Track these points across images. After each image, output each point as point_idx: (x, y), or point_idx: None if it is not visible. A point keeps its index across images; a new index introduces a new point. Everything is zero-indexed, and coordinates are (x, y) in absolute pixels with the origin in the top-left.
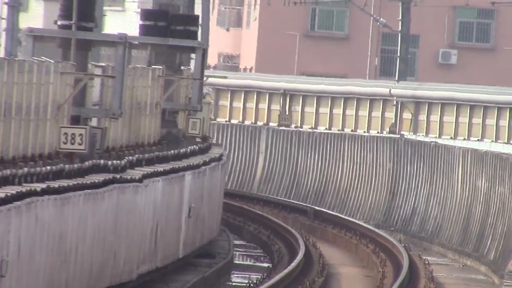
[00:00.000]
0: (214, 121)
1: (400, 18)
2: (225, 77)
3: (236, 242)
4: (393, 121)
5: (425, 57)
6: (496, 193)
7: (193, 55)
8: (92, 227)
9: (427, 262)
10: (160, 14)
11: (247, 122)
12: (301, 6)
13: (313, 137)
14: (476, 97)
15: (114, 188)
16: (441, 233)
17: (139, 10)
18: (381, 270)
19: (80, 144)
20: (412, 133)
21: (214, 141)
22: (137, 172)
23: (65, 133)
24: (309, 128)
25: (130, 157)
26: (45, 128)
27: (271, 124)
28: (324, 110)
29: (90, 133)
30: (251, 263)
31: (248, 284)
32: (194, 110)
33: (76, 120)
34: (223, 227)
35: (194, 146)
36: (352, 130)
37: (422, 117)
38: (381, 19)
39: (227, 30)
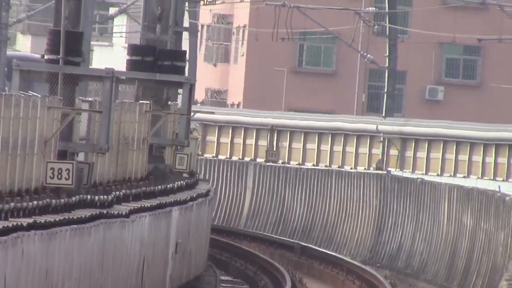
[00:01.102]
0: (201, 157)
1: (387, 54)
2: (213, 113)
3: (223, 277)
4: (380, 157)
5: (412, 93)
6: (482, 230)
7: (180, 90)
8: (78, 262)
9: None
10: (148, 49)
11: (234, 158)
12: (288, 42)
13: (300, 173)
14: (463, 134)
15: (101, 223)
16: (427, 269)
17: (126, 45)
18: None
19: (67, 179)
20: (399, 170)
21: (201, 176)
22: (124, 208)
23: (52, 168)
24: (296, 164)
25: (117, 192)
26: (32, 162)
27: (258, 159)
28: (312, 146)
29: (77, 168)
30: None
31: None
32: (181, 146)
33: (63, 155)
34: (210, 263)
35: (181, 181)
36: (339, 166)
37: (409, 153)
38: (368, 55)
39: (215, 65)
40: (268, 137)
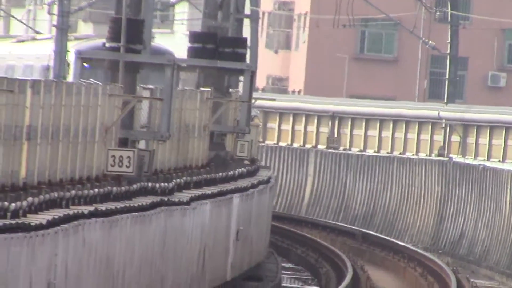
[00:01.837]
0: (263, 144)
1: (449, 40)
2: (274, 100)
3: (284, 265)
4: (442, 144)
5: (474, 80)
6: None
7: (241, 78)
8: (139, 250)
9: (475, 285)
10: (209, 36)
11: (295, 145)
12: (350, 28)
13: (362, 160)
14: None
15: (162, 211)
16: (489, 256)
17: (187, 33)
18: None
19: (128, 167)
20: (461, 156)
21: (262, 163)
22: (185, 195)
23: (113, 156)
24: (358, 151)
25: (178, 180)
26: (92, 150)
27: (319, 146)
28: (373, 132)
29: (138, 156)
30: (299, 286)
31: None
32: (242, 133)
33: (124, 143)
34: (271, 250)
35: (242, 168)
36: (400, 153)
37: (471, 140)
38: (430, 41)
39: (276, 52)
40: (329, 124)
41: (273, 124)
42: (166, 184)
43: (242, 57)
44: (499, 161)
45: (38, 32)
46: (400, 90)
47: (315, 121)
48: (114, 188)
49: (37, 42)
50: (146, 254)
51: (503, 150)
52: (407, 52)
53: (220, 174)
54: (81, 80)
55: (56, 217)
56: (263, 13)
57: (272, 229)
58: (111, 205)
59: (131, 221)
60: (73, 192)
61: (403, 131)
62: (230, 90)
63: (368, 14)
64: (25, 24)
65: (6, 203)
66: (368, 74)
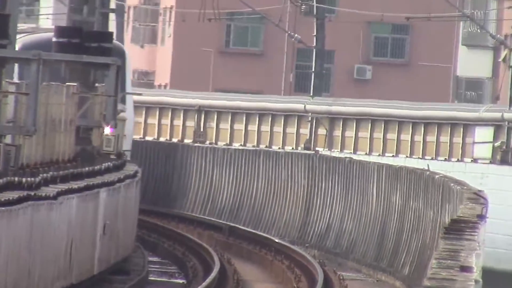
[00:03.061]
0: None
1: (314, 33)
2: (140, 94)
3: (151, 258)
4: (308, 137)
5: (340, 73)
6: (411, 209)
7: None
8: (6, 245)
9: (341, 278)
10: (74, 31)
11: (162, 139)
12: (216, 22)
13: (228, 153)
14: (391, 113)
15: (29, 206)
16: (356, 249)
17: (53, 27)
18: (295, 286)
19: None
20: (327, 149)
21: (128, 158)
22: (51, 189)
23: None
24: (224, 144)
25: (45, 174)
26: None
27: (186, 140)
28: (239, 126)
29: (4, 150)
30: (166, 280)
31: None
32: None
33: None
34: (138, 244)
35: (109, 163)
36: (266, 146)
37: (337, 133)
38: (296, 35)
39: (142, 47)
40: (196, 117)
41: (139, 119)
42: (32, 178)
43: (108, 52)
44: (366, 153)
45: None
46: (266, 84)
47: (181, 115)
48: None
49: None
50: (13, 248)
51: (370, 142)
52: (273, 45)
53: (87, 168)
54: None
55: None
56: (129, 7)
57: (139, 223)
58: None
59: None
60: None
61: (269, 125)
62: (96, 84)
63: (234, 8)
64: None
65: None
66: (235, 67)
